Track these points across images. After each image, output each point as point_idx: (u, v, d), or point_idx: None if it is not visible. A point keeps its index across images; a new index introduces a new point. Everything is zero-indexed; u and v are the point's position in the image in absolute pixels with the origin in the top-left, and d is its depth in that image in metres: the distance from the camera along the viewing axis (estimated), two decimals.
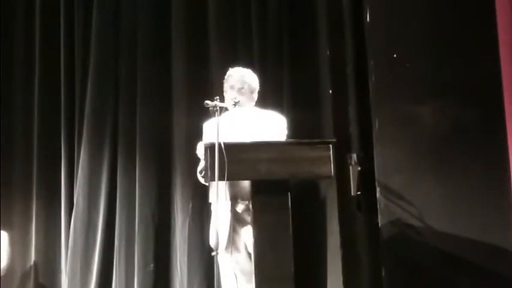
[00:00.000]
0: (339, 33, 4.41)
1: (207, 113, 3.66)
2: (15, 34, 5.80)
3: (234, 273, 3.79)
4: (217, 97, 3.57)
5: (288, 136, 3.95)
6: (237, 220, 3.80)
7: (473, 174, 3.81)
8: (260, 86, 4.06)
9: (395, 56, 4.01)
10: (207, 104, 3.52)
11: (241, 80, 3.96)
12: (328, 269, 4.32)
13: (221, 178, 3.32)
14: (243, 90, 3.94)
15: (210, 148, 3.37)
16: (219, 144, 3.33)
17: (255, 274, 3.44)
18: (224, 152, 3.33)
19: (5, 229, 5.27)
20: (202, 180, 3.83)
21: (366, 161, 4.08)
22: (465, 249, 3.79)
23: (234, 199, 3.79)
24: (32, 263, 5.44)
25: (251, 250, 3.61)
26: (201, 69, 5.06)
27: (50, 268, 5.44)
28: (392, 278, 3.87)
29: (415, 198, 3.86)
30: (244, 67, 4.12)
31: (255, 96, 4.02)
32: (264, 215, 3.47)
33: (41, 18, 5.67)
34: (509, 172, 3.73)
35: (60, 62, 5.52)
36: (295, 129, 4.09)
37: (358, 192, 4.11)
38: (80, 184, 5.26)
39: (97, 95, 5.36)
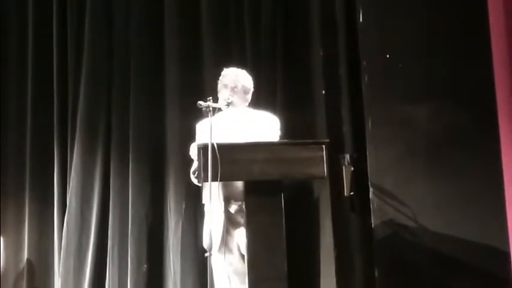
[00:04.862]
0: (332, 33, 4.42)
1: (200, 114, 3.66)
2: (7, 39, 5.77)
3: (227, 274, 3.78)
4: (210, 98, 3.57)
5: (281, 136, 3.94)
6: (230, 221, 3.79)
7: (467, 175, 3.82)
8: (253, 86, 4.06)
9: (388, 56, 4.02)
10: (200, 105, 3.52)
11: (235, 79, 3.96)
12: (321, 270, 4.32)
13: (214, 179, 3.32)
14: (236, 90, 3.94)
15: (203, 149, 3.38)
16: (212, 145, 3.32)
17: (248, 275, 3.44)
18: (217, 152, 3.33)
19: None
20: (195, 181, 3.82)
21: (359, 162, 4.09)
22: (458, 249, 3.81)
23: (227, 200, 3.77)
24: (25, 263, 5.42)
25: (244, 251, 3.61)
26: (194, 69, 5.04)
27: (43, 269, 5.42)
28: (385, 278, 3.88)
29: (408, 198, 3.87)
30: (238, 68, 4.12)
31: (249, 97, 4.02)
32: (257, 215, 3.47)
33: (33, 23, 5.65)
34: (503, 173, 3.74)
35: (53, 64, 5.50)
36: (288, 129, 4.08)
37: (351, 193, 4.12)
38: (73, 185, 5.25)
39: (90, 95, 5.34)
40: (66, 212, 5.24)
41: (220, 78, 4.01)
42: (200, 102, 3.52)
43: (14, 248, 5.47)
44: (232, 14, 5.03)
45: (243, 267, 3.66)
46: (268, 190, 3.47)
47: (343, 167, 4.14)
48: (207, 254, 3.42)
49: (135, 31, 5.33)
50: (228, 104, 3.79)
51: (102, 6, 5.46)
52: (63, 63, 5.51)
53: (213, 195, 3.37)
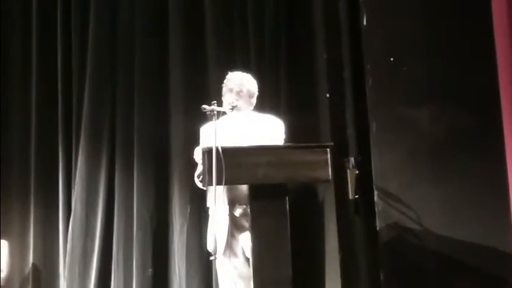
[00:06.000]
0: (335, 37, 4.41)
1: (204, 118, 3.66)
2: (11, 41, 5.78)
3: (232, 278, 3.78)
4: (215, 101, 3.58)
5: (286, 140, 3.95)
6: (234, 224, 3.79)
7: (471, 177, 3.82)
8: (258, 90, 4.06)
9: (392, 59, 4.01)
10: (205, 109, 3.52)
11: (240, 83, 3.96)
12: (326, 273, 4.32)
13: (219, 182, 3.32)
14: (241, 94, 3.94)
15: (207, 152, 3.38)
16: (217, 149, 3.33)
17: (253, 278, 3.44)
18: (222, 156, 3.33)
19: (3, 235, 5.25)
20: (200, 185, 3.83)
21: (364, 165, 4.08)
22: (463, 252, 3.80)
23: (232, 203, 3.78)
24: (30, 268, 5.43)
25: (249, 255, 3.61)
26: (199, 74, 5.05)
27: (48, 273, 5.42)
28: (390, 281, 3.87)
29: (412, 201, 3.87)
30: (242, 71, 4.13)
31: (254, 101, 4.02)
32: (262, 219, 3.47)
33: (37, 24, 5.65)
34: (507, 175, 3.74)
35: (57, 69, 5.50)
36: (292, 133, 4.08)
37: (356, 196, 4.11)
38: (78, 189, 5.25)
39: (94, 100, 5.34)
40: (71, 216, 5.24)
41: (224, 82, 4.01)
42: (204, 106, 3.53)
43: (19, 253, 5.46)
44: (236, 19, 5.04)
45: (248, 270, 3.66)
46: (272, 194, 3.47)
47: (348, 170, 4.14)
48: (212, 258, 3.42)
49: (139, 37, 5.34)
50: (233, 108, 3.80)
51: (106, 7, 5.47)
52: (68, 68, 5.51)
53: (217, 198, 3.36)
